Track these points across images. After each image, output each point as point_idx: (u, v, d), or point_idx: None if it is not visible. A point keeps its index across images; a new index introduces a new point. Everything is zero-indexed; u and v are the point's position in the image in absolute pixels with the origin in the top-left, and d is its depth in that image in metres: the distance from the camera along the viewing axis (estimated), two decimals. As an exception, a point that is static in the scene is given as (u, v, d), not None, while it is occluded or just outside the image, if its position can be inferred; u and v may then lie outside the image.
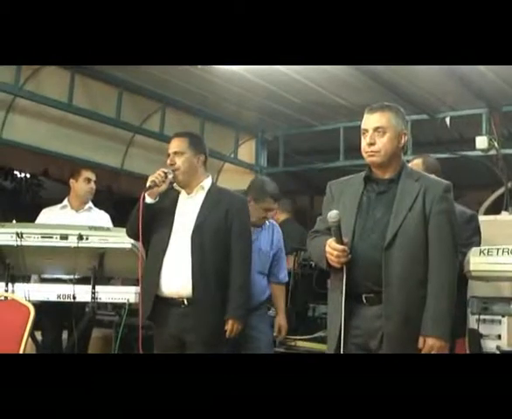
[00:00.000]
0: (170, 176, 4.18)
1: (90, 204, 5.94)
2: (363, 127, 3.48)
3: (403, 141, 3.46)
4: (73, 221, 5.51)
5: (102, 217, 5.90)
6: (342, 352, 3.28)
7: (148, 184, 4.13)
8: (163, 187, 4.18)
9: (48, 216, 5.85)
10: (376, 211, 3.42)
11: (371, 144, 3.41)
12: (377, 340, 3.32)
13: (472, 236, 4.66)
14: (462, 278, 4.46)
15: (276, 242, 5.03)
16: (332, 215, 3.23)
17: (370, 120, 3.45)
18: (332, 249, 3.28)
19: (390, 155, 3.42)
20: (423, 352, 3.25)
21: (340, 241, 3.27)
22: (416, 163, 4.83)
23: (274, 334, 5.04)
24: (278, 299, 5.10)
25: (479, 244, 4.54)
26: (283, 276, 5.10)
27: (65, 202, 5.91)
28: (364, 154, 3.48)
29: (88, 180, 5.88)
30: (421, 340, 3.27)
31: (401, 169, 3.48)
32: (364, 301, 3.34)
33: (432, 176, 3.57)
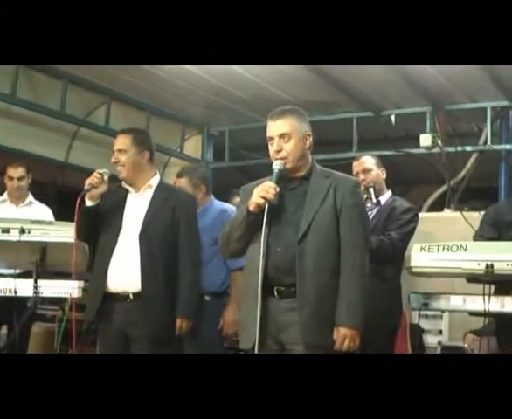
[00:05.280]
0: (106, 177, 4.16)
1: (30, 198, 5.83)
2: (268, 134, 3.56)
3: (308, 143, 3.55)
4: (13, 216, 5.39)
5: (43, 211, 5.79)
6: (257, 344, 3.28)
7: (85, 187, 4.11)
8: (102, 188, 4.16)
9: None
10: (288, 206, 3.49)
11: (279, 151, 3.49)
12: (287, 332, 3.37)
13: (403, 225, 4.70)
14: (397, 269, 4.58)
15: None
16: (278, 162, 3.43)
17: (274, 128, 3.53)
18: (263, 185, 3.37)
19: (298, 159, 3.51)
20: (337, 342, 3.31)
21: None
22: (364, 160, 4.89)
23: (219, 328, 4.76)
24: (230, 288, 4.81)
25: (411, 235, 4.65)
26: (229, 261, 4.69)
27: (5, 196, 5.81)
28: (274, 161, 3.53)
29: (10, 178, 5.74)
30: (335, 330, 3.34)
31: (311, 168, 3.57)
32: (276, 294, 3.39)
33: (342, 174, 3.63)
